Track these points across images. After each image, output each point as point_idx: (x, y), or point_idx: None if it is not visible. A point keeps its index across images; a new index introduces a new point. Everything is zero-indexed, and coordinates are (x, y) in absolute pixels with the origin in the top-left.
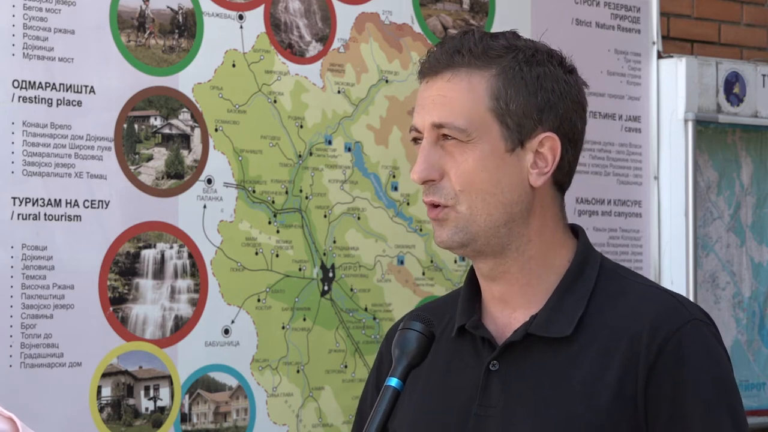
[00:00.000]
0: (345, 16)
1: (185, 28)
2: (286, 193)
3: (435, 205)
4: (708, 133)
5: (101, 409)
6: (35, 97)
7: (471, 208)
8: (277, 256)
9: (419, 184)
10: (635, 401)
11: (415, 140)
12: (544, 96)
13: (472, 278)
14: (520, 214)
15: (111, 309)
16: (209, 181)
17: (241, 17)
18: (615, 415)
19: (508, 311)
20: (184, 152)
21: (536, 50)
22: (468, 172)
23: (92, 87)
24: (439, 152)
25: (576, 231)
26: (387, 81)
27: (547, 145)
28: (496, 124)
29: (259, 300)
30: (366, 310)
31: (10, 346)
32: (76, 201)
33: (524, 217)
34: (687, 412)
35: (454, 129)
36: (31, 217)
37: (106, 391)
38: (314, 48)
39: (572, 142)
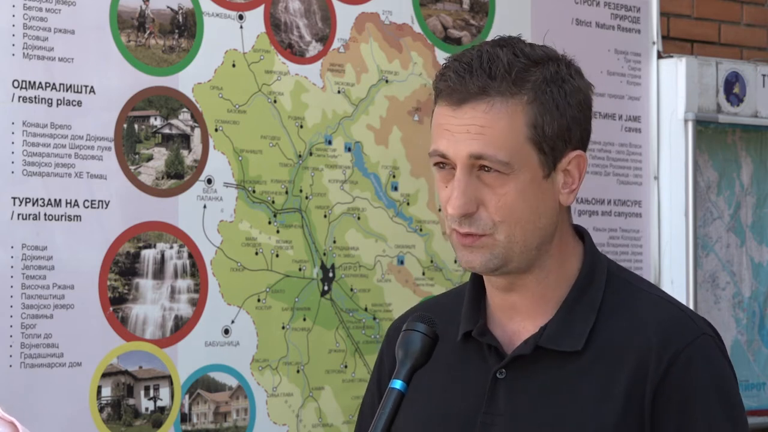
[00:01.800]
0: (345, 16)
1: (185, 28)
2: (286, 193)
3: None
4: (708, 133)
5: (101, 409)
6: (35, 97)
7: (509, 237)
8: (277, 256)
9: (457, 217)
10: (642, 416)
11: (439, 165)
12: (571, 114)
13: (476, 281)
14: (550, 235)
15: (111, 309)
16: (209, 181)
17: (241, 17)
18: (622, 429)
19: (517, 319)
20: (184, 152)
21: (557, 65)
22: (509, 204)
23: (92, 87)
24: (476, 183)
25: (579, 232)
26: (387, 81)
27: (574, 163)
28: (534, 152)
29: (259, 300)
30: (366, 310)
31: (10, 346)
32: (76, 201)
33: (552, 235)
34: (693, 428)
35: (496, 162)
36: (31, 217)
37: (106, 391)
38: (314, 48)
39: (586, 148)
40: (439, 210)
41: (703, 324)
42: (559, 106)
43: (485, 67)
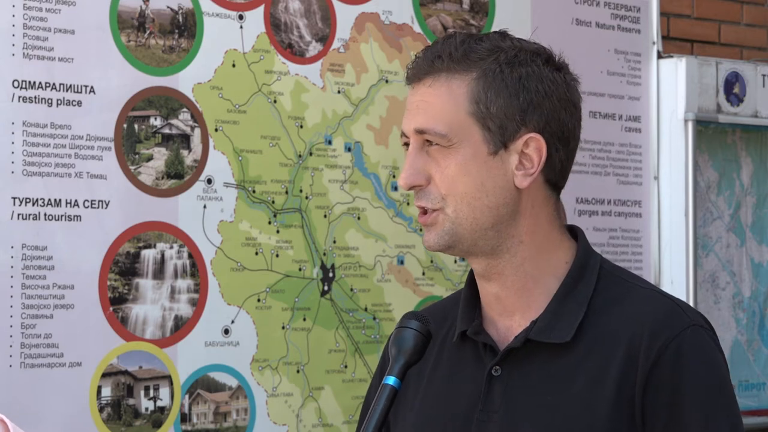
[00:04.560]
0: (345, 16)
1: (185, 28)
2: (286, 193)
3: (424, 211)
4: (708, 133)
5: (101, 409)
6: (35, 97)
7: (456, 212)
8: (277, 256)
9: (406, 189)
10: (633, 406)
11: (406, 145)
12: (526, 96)
13: (471, 282)
14: (507, 216)
15: (111, 309)
16: (209, 181)
17: (241, 17)
18: (614, 420)
19: (507, 315)
20: (184, 152)
21: (520, 50)
22: (451, 176)
23: (92, 87)
24: (425, 157)
25: (575, 232)
26: (387, 81)
27: (533, 146)
28: (477, 127)
29: (259, 300)
30: (366, 310)
31: (10, 346)
32: (76, 201)
33: (513, 219)
34: (684, 418)
35: (435, 134)
36: (31, 217)
37: (106, 391)
38: (314, 48)
39: (562, 141)
40: None
41: (695, 315)
42: (509, 86)
43: (437, 48)
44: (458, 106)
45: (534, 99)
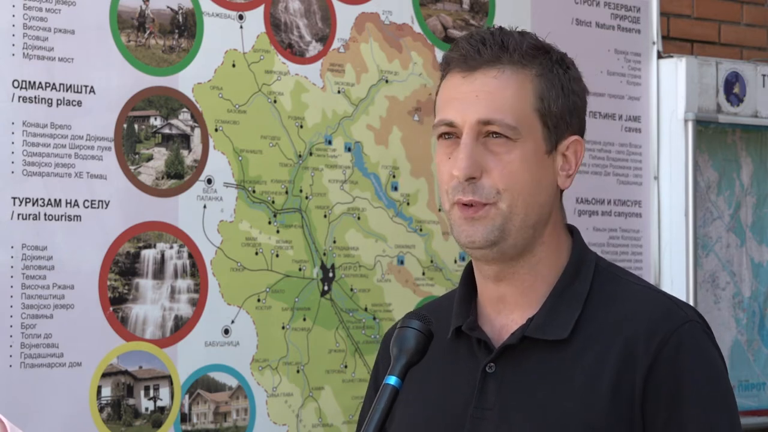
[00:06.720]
0: (345, 16)
1: (185, 28)
2: (286, 193)
3: (470, 204)
4: (708, 133)
5: (101, 409)
6: (35, 97)
7: (511, 207)
8: (277, 256)
9: (463, 180)
10: (632, 404)
11: (445, 135)
12: (573, 99)
13: (467, 279)
14: (546, 216)
15: (111, 309)
16: (209, 181)
17: (241, 17)
18: (612, 417)
19: (505, 312)
20: (184, 152)
21: (562, 53)
22: (513, 171)
23: (92, 87)
24: (481, 149)
25: (571, 231)
26: (387, 81)
27: (572, 148)
28: (540, 124)
29: (259, 300)
30: (366, 310)
31: (10, 346)
32: (76, 201)
33: (547, 219)
34: (683, 415)
35: (504, 126)
36: (31, 217)
37: (106, 391)
38: (314, 48)
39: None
40: (439, 210)
41: (690, 311)
42: (564, 88)
43: (498, 40)
44: (525, 100)
45: (577, 102)
